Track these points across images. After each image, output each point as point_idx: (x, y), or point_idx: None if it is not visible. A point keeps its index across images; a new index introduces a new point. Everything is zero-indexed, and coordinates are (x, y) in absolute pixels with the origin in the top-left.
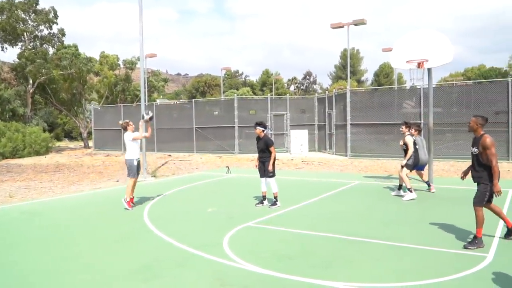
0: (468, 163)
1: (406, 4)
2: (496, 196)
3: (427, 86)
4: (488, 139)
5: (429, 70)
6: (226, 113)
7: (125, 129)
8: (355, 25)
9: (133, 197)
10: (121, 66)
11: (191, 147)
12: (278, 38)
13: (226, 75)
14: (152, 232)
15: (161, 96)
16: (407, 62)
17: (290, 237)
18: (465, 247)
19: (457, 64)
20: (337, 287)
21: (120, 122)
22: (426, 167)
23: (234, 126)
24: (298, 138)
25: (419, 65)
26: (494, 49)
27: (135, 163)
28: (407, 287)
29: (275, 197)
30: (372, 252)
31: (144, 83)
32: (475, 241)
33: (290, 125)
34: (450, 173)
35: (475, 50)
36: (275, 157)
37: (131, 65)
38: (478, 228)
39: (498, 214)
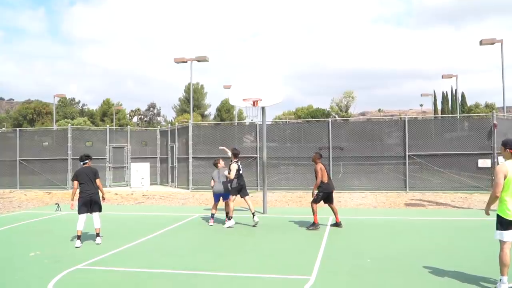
0: (295, 193)
1: (246, 45)
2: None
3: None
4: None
5: (263, 108)
6: (58, 144)
7: None
8: (198, 61)
9: None
10: None
11: (13, 183)
12: (120, 67)
13: (60, 103)
14: None
15: None
16: (243, 100)
17: (123, 277)
18: (307, 228)
19: (289, 103)
20: None
21: None
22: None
23: (67, 159)
24: (139, 171)
25: (254, 103)
26: (318, 92)
27: None
28: None
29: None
30: (209, 285)
31: None
32: (315, 225)
33: (131, 157)
34: (282, 203)
35: (304, 91)
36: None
37: None
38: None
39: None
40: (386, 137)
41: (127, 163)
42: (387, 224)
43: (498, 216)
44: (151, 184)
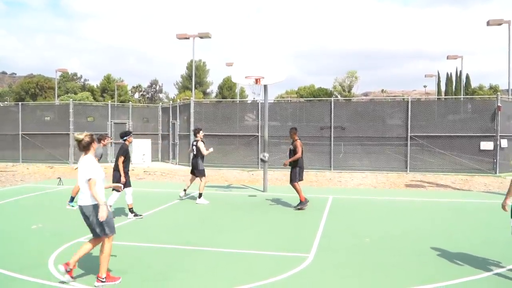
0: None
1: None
2: None
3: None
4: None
5: (265, 86)
6: (60, 119)
7: None
8: (201, 37)
9: None
10: None
11: (16, 156)
12: (122, 43)
13: (62, 78)
14: None
15: None
16: (245, 77)
17: (125, 251)
18: (295, 208)
19: (291, 82)
20: None
21: None
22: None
23: (69, 134)
24: (141, 148)
25: (256, 81)
26: (321, 72)
27: None
28: None
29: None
30: (207, 260)
31: None
32: (302, 203)
33: (132, 134)
34: (283, 182)
35: (306, 71)
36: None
37: None
38: (301, 196)
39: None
40: (388, 117)
41: None
42: (386, 204)
43: None
44: (152, 161)
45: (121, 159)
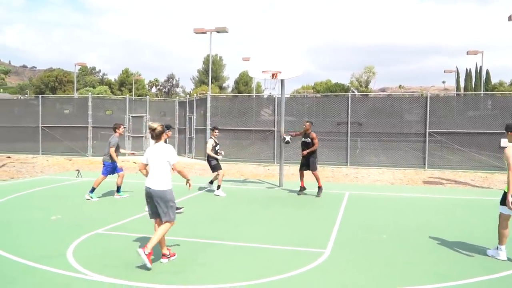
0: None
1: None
2: None
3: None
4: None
5: (282, 81)
6: (79, 112)
7: None
8: (218, 32)
9: None
10: None
11: (36, 148)
12: (140, 37)
13: (81, 72)
14: None
15: (0, 90)
16: (262, 72)
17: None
18: (317, 195)
19: (307, 77)
20: None
21: None
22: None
23: (87, 127)
24: None
25: (273, 75)
26: (337, 67)
27: None
28: (255, 285)
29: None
30: (223, 254)
31: None
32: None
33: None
34: (298, 177)
35: (322, 66)
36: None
37: None
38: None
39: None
40: (406, 113)
41: (145, 133)
42: (404, 201)
43: (505, 193)
44: None
45: None
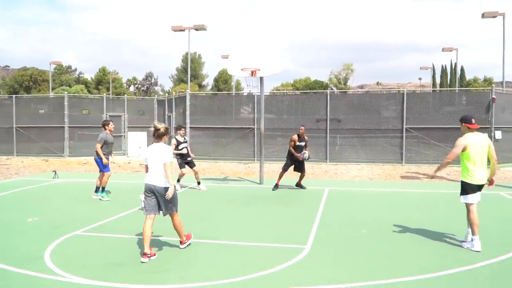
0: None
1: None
2: None
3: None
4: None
5: (261, 79)
6: (55, 112)
7: None
8: (196, 30)
9: None
10: None
11: (10, 150)
12: (118, 35)
13: (57, 71)
14: None
15: None
16: (241, 69)
17: (122, 243)
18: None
19: (287, 74)
20: None
21: None
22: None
23: (64, 127)
24: (136, 140)
25: (252, 73)
26: (316, 64)
27: None
28: (237, 283)
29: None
30: (204, 252)
31: None
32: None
33: (128, 126)
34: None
35: (302, 63)
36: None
37: None
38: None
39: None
40: (384, 110)
41: (124, 132)
42: (382, 196)
43: (462, 182)
44: None
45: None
